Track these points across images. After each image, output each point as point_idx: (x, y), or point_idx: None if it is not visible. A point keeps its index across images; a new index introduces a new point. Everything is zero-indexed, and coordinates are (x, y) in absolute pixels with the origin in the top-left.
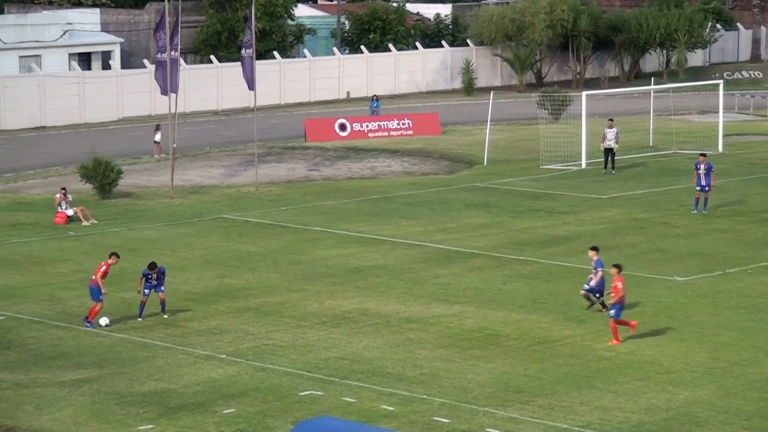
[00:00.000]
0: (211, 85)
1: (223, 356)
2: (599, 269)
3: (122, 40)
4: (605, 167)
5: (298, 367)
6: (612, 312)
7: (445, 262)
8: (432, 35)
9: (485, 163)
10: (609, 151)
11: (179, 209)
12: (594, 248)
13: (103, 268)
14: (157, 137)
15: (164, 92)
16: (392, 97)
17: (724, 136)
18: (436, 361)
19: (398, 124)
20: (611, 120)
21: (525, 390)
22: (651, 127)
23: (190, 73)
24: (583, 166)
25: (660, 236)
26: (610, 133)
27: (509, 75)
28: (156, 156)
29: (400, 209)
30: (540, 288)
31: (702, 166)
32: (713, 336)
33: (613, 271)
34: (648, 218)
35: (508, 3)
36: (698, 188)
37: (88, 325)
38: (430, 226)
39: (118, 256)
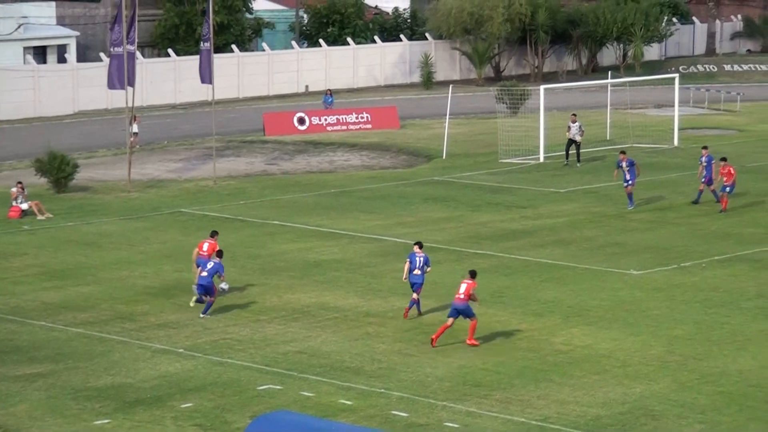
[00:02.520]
0: (169, 79)
1: (181, 350)
2: None
3: (78, 33)
4: (567, 159)
5: (256, 362)
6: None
7: (404, 256)
8: (390, 29)
9: (444, 157)
10: (572, 143)
11: (136, 203)
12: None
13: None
14: (135, 128)
15: (112, 86)
16: (351, 90)
17: (680, 129)
18: (394, 355)
19: (357, 117)
20: (574, 114)
21: (483, 384)
22: (608, 121)
23: (147, 67)
24: (542, 159)
25: (617, 230)
26: (574, 127)
27: (468, 69)
28: (137, 147)
29: (359, 203)
30: (498, 282)
31: (624, 163)
32: (669, 330)
33: None
34: (605, 212)
35: None
36: (625, 184)
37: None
38: (389, 220)
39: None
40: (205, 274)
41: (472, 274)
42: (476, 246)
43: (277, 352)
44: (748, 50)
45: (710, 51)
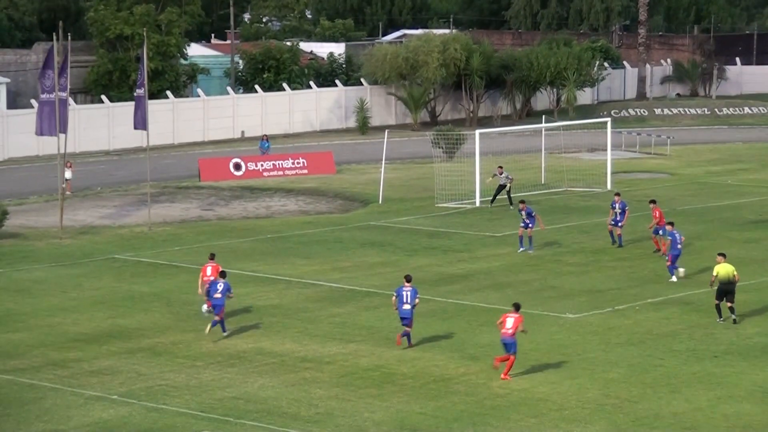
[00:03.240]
0: (102, 125)
1: (115, 397)
2: None
3: (8, 80)
4: (492, 202)
5: (192, 408)
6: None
7: (340, 301)
8: (326, 74)
9: (380, 202)
10: (501, 187)
11: (69, 249)
12: None
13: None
14: (68, 174)
15: (41, 132)
16: (287, 136)
17: (612, 173)
18: (331, 400)
19: (293, 163)
20: (500, 167)
21: (421, 428)
22: (543, 165)
23: (80, 113)
24: (477, 204)
25: (552, 273)
26: (502, 178)
27: (403, 114)
28: (69, 193)
29: (295, 248)
30: (435, 326)
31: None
32: (604, 373)
33: None
34: (541, 255)
35: (401, 42)
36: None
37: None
38: (325, 264)
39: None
40: (219, 295)
41: (517, 307)
42: None
43: (213, 398)
44: (678, 94)
45: (641, 95)
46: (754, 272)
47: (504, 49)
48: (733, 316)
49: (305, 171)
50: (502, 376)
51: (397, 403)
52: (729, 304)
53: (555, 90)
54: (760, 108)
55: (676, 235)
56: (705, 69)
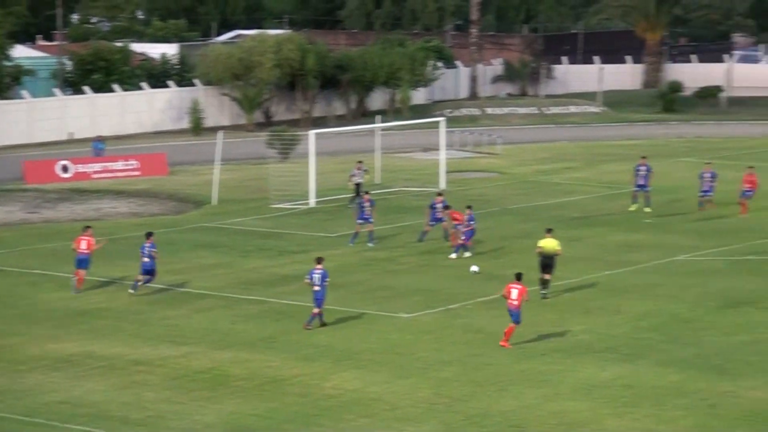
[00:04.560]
0: None
1: None
2: None
3: None
4: (352, 202)
5: (15, 412)
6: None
7: (173, 304)
8: (159, 75)
9: (214, 203)
10: (358, 186)
11: None
12: None
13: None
14: None
15: None
16: (119, 137)
17: (447, 172)
18: (162, 402)
19: (124, 164)
20: (360, 162)
21: (253, 430)
22: (378, 165)
23: None
24: (312, 204)
25: (386, 273)
26: (359, 174)
27: (238, 114)
28: None
29: (128, 250)
30: (270, 327)
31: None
32: (437, 372)
33: None
34: (375, 256)
35: (235, 42)
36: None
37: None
38: (158, 266)
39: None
40: (146, 260)
41: (519, 277)
42: (246, 292)
43: (38, 402)
44: (508, 93)
45: (473, 94)
46: (579, 270)
47: (339, 49)
48: (544, 291)
49: (137, 173)
50: (501, 343)
51: (229, 405)
52: (546, 276)
53: (390, 90)
54: (585, 107)
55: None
56: (534, 68)
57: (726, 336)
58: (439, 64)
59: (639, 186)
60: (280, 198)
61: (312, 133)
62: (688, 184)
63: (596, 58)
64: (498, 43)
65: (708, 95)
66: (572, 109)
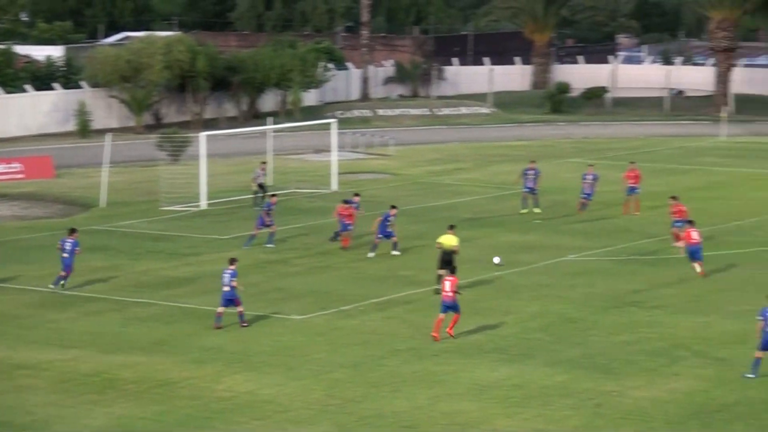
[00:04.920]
0: None
1: None
2: None
3: None
4: (256, 203)
5: None
6: None
7: (60, 307)
8: (43, 77)
9: (102, 206)
10: (262, 187)
11: None
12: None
13: None
14: None
15: None
16: (2, 140)
17: (339, 174)
18: (49, 407)
19: (6, 167)
20: (264, 163)
21: None
22: (270, 167)
23: None
24: (203, 206)
25: (279, 275)
26: (262, 175)
27: (127, 117)
28: None
29: (12, 254)
30: (160, 330)
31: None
32: (329, 373)
33: None
34: (267, 258)
35: (123, 44)
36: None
37: None
38: (44, 270)
39: None
40: (66, 255)
41: (452, 271)
42: (137, 295)
43: None
44: (400, 95)
45: (365, 96)
46: (471, 271)
47: (229, 51)
48: (439, 287)
49: (21, 176)
50: (448, 330)
51: (119, 408)
52: (442, 272)
53: (281, 91)
54: (476, 108)
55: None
56: (425, 70)
57: (611, 336)
58: (330, 65)
59: (528, 188)
60: (170, 200)
61: (203, 135)
62: (575, 185)
63: (486, 60)
64: (389, 45)
65: (594, 96)
66: (463, 110)
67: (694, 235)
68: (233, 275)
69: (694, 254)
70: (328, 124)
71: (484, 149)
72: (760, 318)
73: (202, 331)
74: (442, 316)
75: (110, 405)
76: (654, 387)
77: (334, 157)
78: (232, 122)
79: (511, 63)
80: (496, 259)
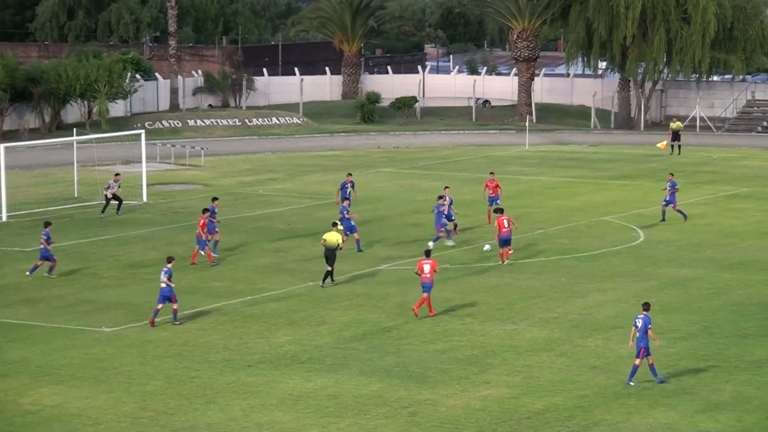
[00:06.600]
0: None
1: None
2: None
3: None
4: (103, 212)
5: None
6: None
7: None
8: None
9: None
10: (116, 198)
11: None
12: None
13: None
14: None
15: None
16: None
17: (148, 185)
18: None
19: None
20: (118, 174)
21: None
22: (75, 178)
23: None
24: (5, 219)
25: (88, 287)
26: (114, 186)
27: None
28: None
29: None
30: None
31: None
32: (141, 386)
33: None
34: (75, 269)
35: None
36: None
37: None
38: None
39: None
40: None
41: (428, 254)
42: None
43: None
44: (210, 105)
45: (174, 107)
46: (284, 281)
47: (30, 62)
48: (323, 284)
49: None
50: (415, 308)
51: None
52: (328, 268)
53: (86, 102)
54: (288, 118)
55: None
56: (235, 80)
57: (424, 344)
58: (138, 76)
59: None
60: None
61: (1, 147)
62: (388, 194)
63: (296, 70)
64: (197, 55)
65: (403, 106)
66: (275, 120)
67: (506, 223)
68: (167, 273)
69: (506, 242)
70: (137, 134)
71: (296, 159)
72: (634, 325)
73: (6, 345)
74: (425, 295)
75: None
76: (466, 395)
77: (143, 168)
78: (34, 134)
79: (322, 73)
80: (487, 246)
